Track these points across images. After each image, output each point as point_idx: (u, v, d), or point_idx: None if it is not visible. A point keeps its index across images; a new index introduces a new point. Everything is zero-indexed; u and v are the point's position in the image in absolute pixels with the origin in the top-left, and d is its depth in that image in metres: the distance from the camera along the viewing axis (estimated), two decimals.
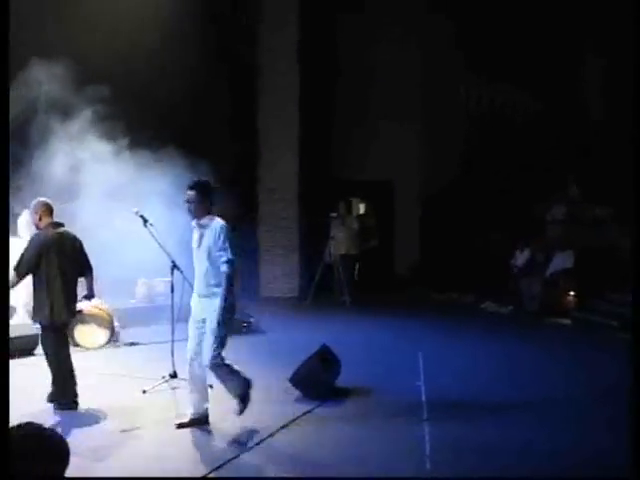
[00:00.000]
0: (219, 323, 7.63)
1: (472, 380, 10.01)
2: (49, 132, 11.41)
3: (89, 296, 9.09)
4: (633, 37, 6.72)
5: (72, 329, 11.11)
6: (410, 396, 8.98)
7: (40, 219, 8.67)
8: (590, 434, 7.72)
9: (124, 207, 10.63)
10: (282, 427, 7.80)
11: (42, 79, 11.58)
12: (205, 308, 7.79)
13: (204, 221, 7.80)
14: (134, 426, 7.83)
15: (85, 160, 11.43)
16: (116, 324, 12.45)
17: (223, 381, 7.92)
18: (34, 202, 8.72)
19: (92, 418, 8.05)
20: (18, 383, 9.83)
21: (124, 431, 7.67)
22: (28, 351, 11.29)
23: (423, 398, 8.88)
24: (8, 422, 4.41)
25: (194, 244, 7.88)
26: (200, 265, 7.82)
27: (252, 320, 13.61)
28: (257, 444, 7.26)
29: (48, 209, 8.75)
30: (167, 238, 9.68)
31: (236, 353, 11.65)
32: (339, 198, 18.02)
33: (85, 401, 8.63)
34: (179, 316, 9.53)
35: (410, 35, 18.95)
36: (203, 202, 7.83)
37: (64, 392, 8.54)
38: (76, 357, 11.22)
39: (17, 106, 10.70)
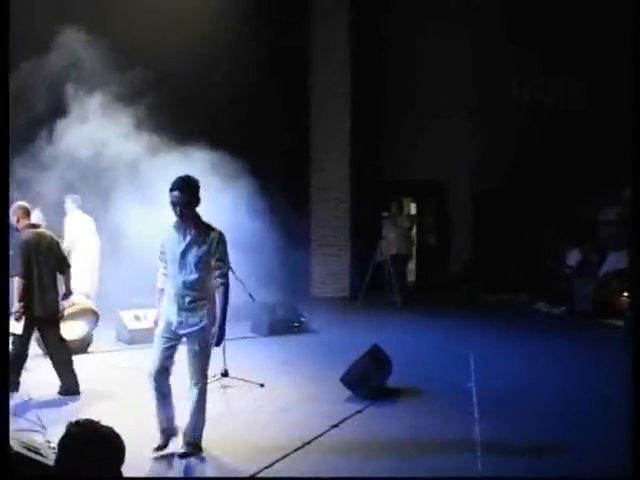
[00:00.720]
0: (218, 342, 7.10)
1: (524, 381, 9.93)
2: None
3: (67, 294, 9.51)
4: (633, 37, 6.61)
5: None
6: (461, 397, 8.91)
7: (18, 221, 9.07)
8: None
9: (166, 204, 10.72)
10: (333, 426, 7.79)
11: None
12: (188, 323, 7.00)
13: (194, 226, 6.96)
14: (183, 424, 7.85)
15: (131, 154, 11.54)
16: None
17: (198, 411, 7.09)
18: (12, 206, 8.98)
19: (142, 416, 8.10)
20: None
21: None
22: (83, 349, 11.44)
23: (474, 399, 8.80)
24: (8, 422, 4.46)
25: (174, 250, 6.98)
26: (185, 275, 6.94)
27: (303, 320, 13.63)
28: (307, 443, 7.25)
29: (25, 211, 9.20)
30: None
31: (287, 352, 11.78)
32: (390, 198, 17.98)
33: (137, 398, 8.70)
34: (231, 315, 9.56)
35: (461, 29, 18.79)
36: (191, 204, 6.93)
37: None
38: (129, 354, 11.39)
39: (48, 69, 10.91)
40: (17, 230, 9.03)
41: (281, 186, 14.59)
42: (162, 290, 7.34)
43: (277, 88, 17.06)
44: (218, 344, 7.15)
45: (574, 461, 6.90)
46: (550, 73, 19.24)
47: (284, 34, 17.32)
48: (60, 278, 9.34)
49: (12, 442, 5.32)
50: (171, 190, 6.89)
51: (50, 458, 5.42)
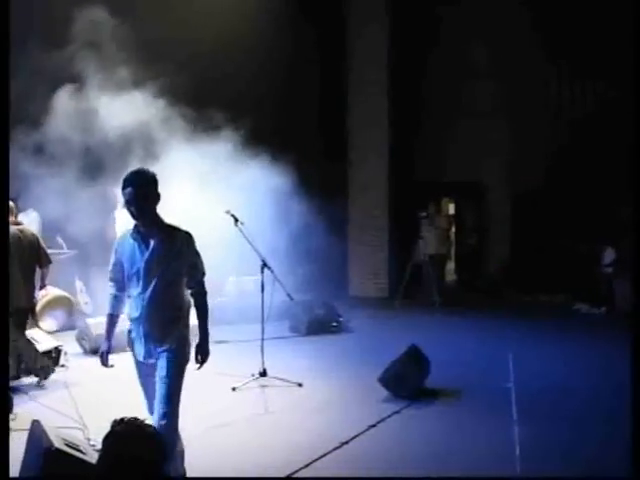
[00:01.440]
0: (203, 361, 6.24)
1: (562, 383, 9.85)
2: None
3: (42, 286, 10.07)
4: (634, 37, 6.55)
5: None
6: (500, 398, 8.88)
7: None
8: None
9: (213, 202, 10.79)
10: (370, 426, 7.78)
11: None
12: (157, 349, 5.99)
13: (157, 230, 5.77)
14: (223, 423, 7.90)
15: (175, 152, 11.64)
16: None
17: (172, 448, 5.69)
18: None
19: (181, 414, 8.14)
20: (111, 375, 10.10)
21: (213, 427, 7.76)
22: (122, 347, 11.50)
23: (513, 400, 8.78)
24: (8, 422, 4.48)
25: (135, 262, 5.80)
26: (152, 291, 5.78)
27: (341, 320, 13.64)
28: (345, 443, 7.25)
29: (9, 210, 9.48)
30: (257, 237, 9.77)
31: (325, 352, 11.79)
32: (428, 198, 17.96)
33: None
34: (269, 315, 9.61)
35: (496, 30, 18.70)
36: (148, 200, 5.73)
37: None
38: None
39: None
40: None
41: (319, 186, 14.58)
42: (114, 317, 6.43)
43: (315, 89, 17.10)
44: (203, 363, 6.23)
45: (608, 465, 6.85)
46: (588, 75, 19.09)
47: (322, 34, 17.35)
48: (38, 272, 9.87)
49: (53, 439, 5.39)
50: (124, 188, 5.71)
51: (90, 455, 5.48)
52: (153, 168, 6.02)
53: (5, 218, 5.19)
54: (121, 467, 3.31)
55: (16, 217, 9.98)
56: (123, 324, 11.90)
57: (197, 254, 6.03)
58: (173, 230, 5.87)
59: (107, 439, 3.42)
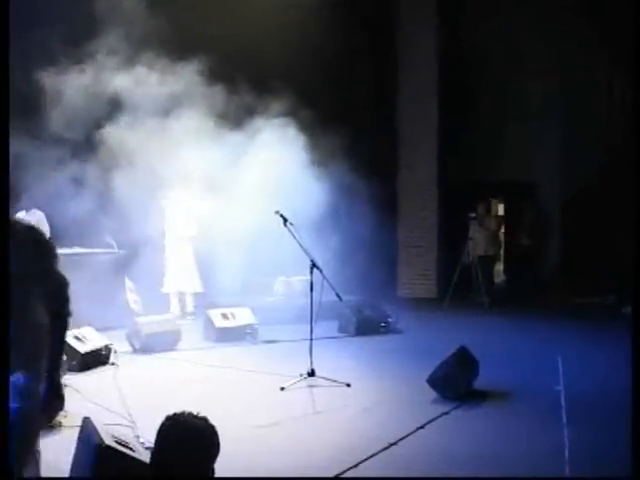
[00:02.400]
0: (54, 411, 4.76)
1: (613, 386, 9.73)
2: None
3: None
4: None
5: None
6: (549, 400, 8.81)
7: None
8: None
9: (262, 202, 10.84)
10: (419, 428, 7.75)
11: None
12: None
13: None
14: (272, 423, 7.91)
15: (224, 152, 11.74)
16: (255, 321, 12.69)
17: None
18: None
19: (230, 413, 8.18)
20: (161, 374, 10.19)
21: (261, 427, 7.77)
22: (170, 346, 11.63)
23: (562, 402, 8.70)
24: (8, 421, 4.48)
25: None
26: None
27: (390, 320, 13.60)
28: (393, 444, 7.23)
29: None
30: (306, 237, 9.79)
31: (374, 353, 11.78)
32: (478, 198, 17.86)
33: (222, 397, 8.81)
34: (317, 315, 9.62)
35: (549, 30, 18.53)
36: None
37: None
38: (215, 352, 11.53)
39: None
40: None
41: (368, 187, 14.56)
42: None
43: (364, 89, 17.08)
44: (53, 415, 4.90)
45: None
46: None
47: (373, 34, 17.33)
48: None
49: (104, 436, 5.43)
50: None
51: (140, 453, 5.52)
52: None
53: (5, 218, 5.21)
54: (174, 460, 3.33)
55: None
56: (167, 325, 12.11)
57: (51, 255, 4.55)
58: (12, 225, 4.45)
59: (159, 434, 3.45)
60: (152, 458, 3.48)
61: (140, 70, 11.96)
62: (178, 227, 13.65)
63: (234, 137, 12.25)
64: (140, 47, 11.70)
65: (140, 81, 11.98)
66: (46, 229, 13.27)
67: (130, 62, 11.86)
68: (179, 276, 13.80)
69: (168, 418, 3.45)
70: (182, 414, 3.46)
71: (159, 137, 12.10)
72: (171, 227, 13.69)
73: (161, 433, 3.44)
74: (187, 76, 12.14)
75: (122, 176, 11.95)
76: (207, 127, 12.22)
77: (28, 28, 10.90)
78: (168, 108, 12.20)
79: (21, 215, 13.17)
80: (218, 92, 12.25)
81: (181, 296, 14.04)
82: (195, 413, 3.50)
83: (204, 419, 3.46)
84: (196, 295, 14.07)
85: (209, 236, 12.81)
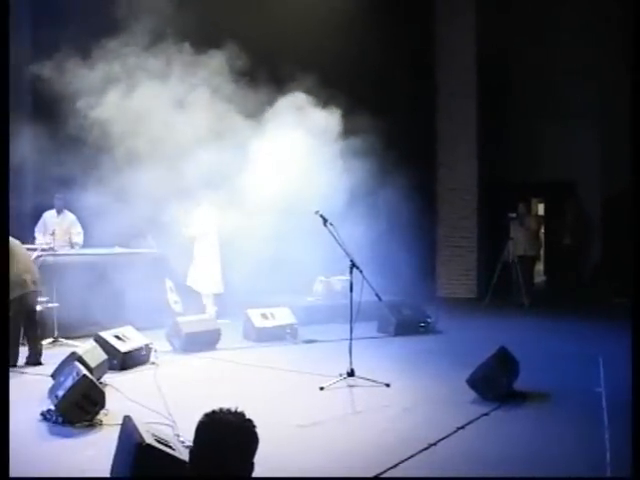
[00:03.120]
0: None
1: None
2: None
3: None
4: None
5: None
6: (590, 402, 8.73)
7: None
8: None
9: (303, 202, 10.86)
10: (458, 428, 7.72)
11: None
12: None
13: None
14: (311, 422, 7.92)
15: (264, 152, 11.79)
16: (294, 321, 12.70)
17: None
18: None
19: (270, 413, 8.20)
20: (201, 373, 10.23)
21: (301, 426, 7.78)
22: (210, 345, 11.69)
23: (604, 404, 8.62)
24: (8, 421, 4.49)
25: None
26: None
27: (430, 320, 13.57)
28: (433, 444, 7.20)
29: None
30: (346, 237, 9.78)
31: (413, 353, 11.75)
32: (518, 198, 17.77)
33: (262, 396, 8.83)
34: (357, 315, 9.61)
35: (587, 31, 18.40)
36: None
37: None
38: (255, 352, 11.56)
39: None
40: None
41: (408, 187, 14.54)
42: None
43: (404, 90, 17.05)
44: None
45: None
46: None
47: (411, 35, 17.30)
48: None
49: (144, 434, 5.47)
50: None
51: (179, 451, 5.55)
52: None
53: (5, 218, 5.21)
54: (212, 457, 3.34)
55: None
56: (206, 324, 12.16)
57: None
58: None
59: (197, 430, 3.46)
60: (190, 456, 3.49)
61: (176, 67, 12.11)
62: (209, 227, 13.69)
63: (272, 136, 12.28)
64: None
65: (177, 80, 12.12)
66: (78, 230, 13.42)
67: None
68: (206, 276, 13.86)
69: (205, 415, 3.47)
70: (218, 411, 3.46)
71: (189, 137, 12.20)
72: (204, 228, 13.73)
73: (198, 431, 3.45)
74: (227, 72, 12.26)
75: (157, 177, 12.03)
76: (244, 125, 12.31)
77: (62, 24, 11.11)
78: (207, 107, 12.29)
79: (51, 214, 13.34)
80: (259, 86, 12.35)
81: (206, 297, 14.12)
82: (232, 409, 3.51)
83: (241, 414, 3.46)
84: (234, 294, 14.12)
85: (247, 235, 12.84)
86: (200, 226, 13.62)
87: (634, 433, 5.09)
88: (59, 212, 13.59)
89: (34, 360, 10.42)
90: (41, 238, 13.13)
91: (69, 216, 13.61)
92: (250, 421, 3.47)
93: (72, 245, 13.55)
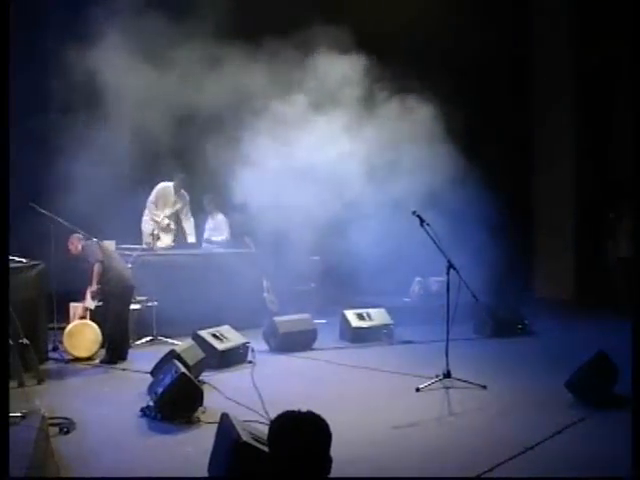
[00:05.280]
0: None
1: None
2: None
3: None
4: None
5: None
6: None
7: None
8: None
9: (400, 205, 10.86)
10: (556, 433, 7.62)
11: None
12: None
13: None
14: (408, 423, 7.92)
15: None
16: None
17: None
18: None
19: (366, 414, 8.23)
20: (297, 372, 10.32)
21: (396, 428, 7.79)
22: (306, 345, 11.77)
23: None
24: (8, 421, 4.53)
25: None
26: None
27: (526, 322, 13.44)
28: (530, 448, 7.13)
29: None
30: (443, 237, 9.75)
31: (510, 355, 11.65)
32: (619, 197, 17.42)
33: (358, 397, 8.86)
34: (454, 316, 9.56)
35: None
36: None
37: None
38: (351, 352, 11.60)
39: None
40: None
41: (505, 188, 14.42)
42: None
43: (500, 95, 16.91)
44: None
45: None
46: None
47: (507, 43, 17.15)
48: None
49: (241, 432, 5.56)
50: None
51: None
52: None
53: (5, 218, 5.27)
54: (287, 455, 3.38)
55: None
56: (303, 324, 12.24)
57: None
58: None
59: (271, 430, 3.51)
60: (268, 455, 3.53)
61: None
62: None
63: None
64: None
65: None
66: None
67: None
68: None
69: (278, 415, 3.52)
70: (288, 411, 3.51)
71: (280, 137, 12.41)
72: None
73: (272, 429, 3.50)
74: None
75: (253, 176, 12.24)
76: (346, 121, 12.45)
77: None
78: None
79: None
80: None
81: None
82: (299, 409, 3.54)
83: (310, 412, 3.50)
84: (331, 296, 14.27)
85: (345, 237, 12.89)
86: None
87: (634, 433, 4.98)
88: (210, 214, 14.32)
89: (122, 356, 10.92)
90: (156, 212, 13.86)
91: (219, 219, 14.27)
92: (318, 415, 3.50)
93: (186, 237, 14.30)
